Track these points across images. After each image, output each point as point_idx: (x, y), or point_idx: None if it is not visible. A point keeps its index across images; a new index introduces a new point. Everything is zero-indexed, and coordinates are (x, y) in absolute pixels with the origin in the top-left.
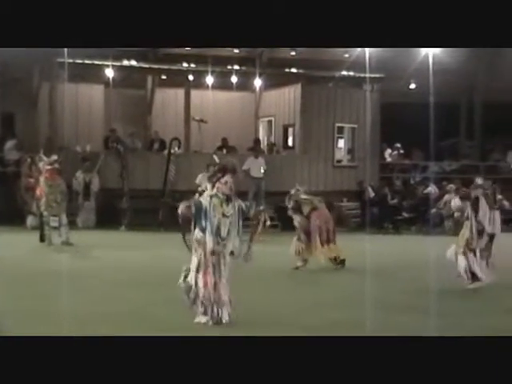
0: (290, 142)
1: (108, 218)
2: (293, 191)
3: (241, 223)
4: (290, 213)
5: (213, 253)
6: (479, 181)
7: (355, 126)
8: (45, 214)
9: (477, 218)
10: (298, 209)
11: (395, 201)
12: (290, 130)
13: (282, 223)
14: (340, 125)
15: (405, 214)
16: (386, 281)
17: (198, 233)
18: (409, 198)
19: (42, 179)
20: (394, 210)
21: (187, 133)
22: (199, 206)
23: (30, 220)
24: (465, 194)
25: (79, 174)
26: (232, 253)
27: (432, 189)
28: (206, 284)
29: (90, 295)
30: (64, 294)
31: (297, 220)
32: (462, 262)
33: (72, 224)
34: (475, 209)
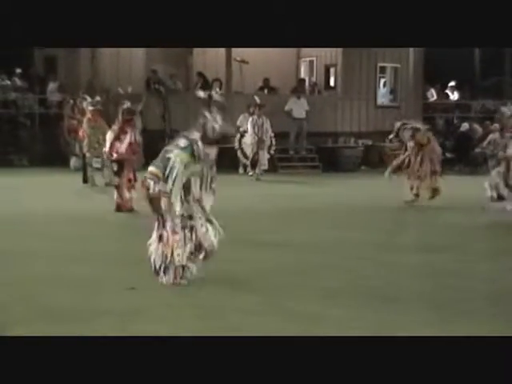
0: (331, 83)
1: (151, 159)
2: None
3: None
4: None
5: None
6: None
7: (398, 65)
8: (87, 155)
9: None
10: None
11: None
12: (332, 70)
13: (323, 164)
14: (382, 64)
15: (447, 155)
16: None
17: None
18: (451, 137)
19: (84, 120)
20: None
21: (228, 73)
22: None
23: (73, 161)
24: None
25: None
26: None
27: (467, 125)
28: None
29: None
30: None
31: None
32: None
33: None
34: None
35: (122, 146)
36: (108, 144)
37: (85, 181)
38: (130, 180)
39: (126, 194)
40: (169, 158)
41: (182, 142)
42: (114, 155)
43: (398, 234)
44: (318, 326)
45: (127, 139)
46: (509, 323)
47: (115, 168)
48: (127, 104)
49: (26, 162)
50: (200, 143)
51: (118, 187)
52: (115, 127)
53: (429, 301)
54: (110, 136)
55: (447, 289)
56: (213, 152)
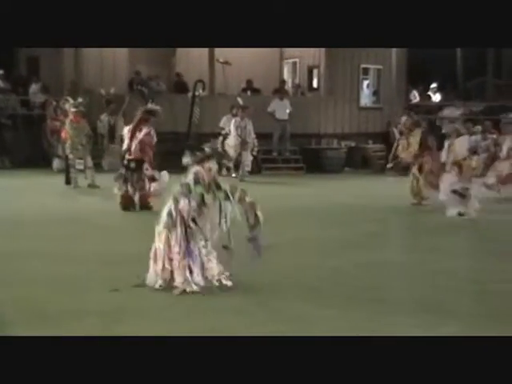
0: (314, 84)
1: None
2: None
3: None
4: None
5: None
6: None
7: (381, 67)
8: (70, 156)
9: None
10: None
11: None
12: (315, 71)
13: (307, 165)
14: (365, 66)
15: None
16: None
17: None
18: (434, 139)
19: (67, 122)
20: None
21: (212, 75)
22: (189, 189)
23: (56, 163)
24: None
25: (104, 117)
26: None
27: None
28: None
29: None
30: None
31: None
32: None
33: (98, 167)
34: None
35: (134, 143)
36: (125, 143)
37: (67, 182)
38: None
39: (148, 187)
40: (188, 184)
41: (190, 178)
42: (131, 154)
43: (381, 234)
44: (305, 326)
45: (141, 137)
46: (496, 324)
47: (133, 166)
48: (150, 104)
49: (8, 164)
50: (198, 168)
51: (135, 185)
52: (129, 127)
53: (415, 301)
54: (126, 135)
55: (433, 289)
56: (213, 165)
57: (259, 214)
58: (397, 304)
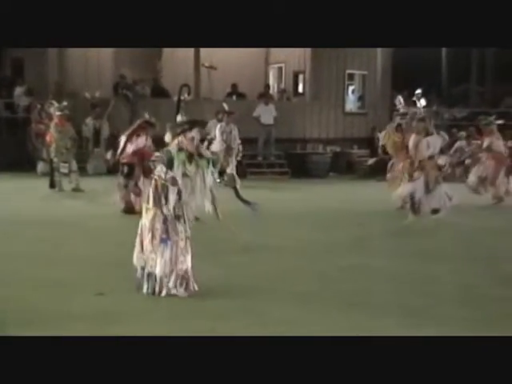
0: (300, 89)
1: (118, 164)
2: None
3: (206, 184)
4: None
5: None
6: None
7: (366, 72)
8: (55, 160)
9: None
10: None
11: None
12: (301, 76)
13: (292, 170)
14: (350, 71)
15: None
16: None
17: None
18: None
19: (52, 125)
20: None
21: (197, 79)
22: (170, 157)
23: (41, 166)
24: None
25: (89, 121)
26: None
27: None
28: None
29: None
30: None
31: None
32: None
33: (82, 170)
34: None
35: (131, 149)
36: (121, 146)
37: (52, 186)
38: (137, 185)
39: (132, 198)
40: (169, 150)
41: (173, 147)
42: (125, 158)
43: (366, 238)
44: (291, 331)
45: (139, 143)
46: (479, 327)
47: (125, 170)
48: (147, 117)
49: None
50: (180, 139)
51: (126, 188)
52: (127, 132)
53: (403, 305)
54: (122, 140)
55: (417, 293)
56: (195, 134)
57: (238, 186)
58: (381, 308)
